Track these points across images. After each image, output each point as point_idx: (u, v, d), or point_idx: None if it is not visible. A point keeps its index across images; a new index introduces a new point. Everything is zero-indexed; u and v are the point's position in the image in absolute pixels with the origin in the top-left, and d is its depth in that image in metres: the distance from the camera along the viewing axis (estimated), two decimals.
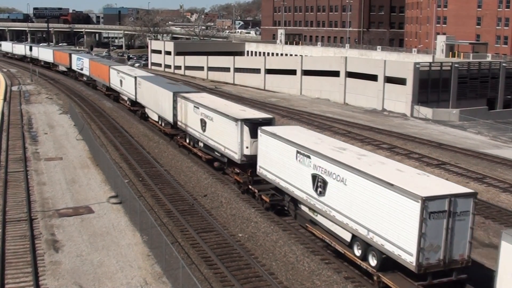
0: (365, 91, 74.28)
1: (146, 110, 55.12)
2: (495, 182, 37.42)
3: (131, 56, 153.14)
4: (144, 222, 26.64)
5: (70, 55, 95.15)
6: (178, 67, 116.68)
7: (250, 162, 32.62)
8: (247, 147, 32.64)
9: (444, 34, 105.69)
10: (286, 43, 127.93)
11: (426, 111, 66.34)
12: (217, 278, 23.35)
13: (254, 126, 32.29)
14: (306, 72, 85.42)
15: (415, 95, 67.74)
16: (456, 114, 65.89)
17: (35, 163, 40.58)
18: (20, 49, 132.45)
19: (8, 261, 24.03)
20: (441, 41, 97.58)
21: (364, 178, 22.35)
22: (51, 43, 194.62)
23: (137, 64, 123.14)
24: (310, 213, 26.96)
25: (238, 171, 34.40)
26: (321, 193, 25.13)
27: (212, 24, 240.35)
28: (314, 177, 25.63)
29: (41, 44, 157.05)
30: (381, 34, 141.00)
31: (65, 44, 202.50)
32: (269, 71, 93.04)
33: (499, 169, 41.38)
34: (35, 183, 35.61)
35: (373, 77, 72.81)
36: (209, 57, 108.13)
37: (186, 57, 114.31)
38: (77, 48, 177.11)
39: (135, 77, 57.25)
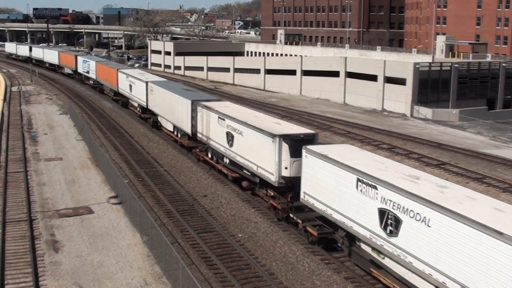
0: (365, 91, 74.28)
1: (159, 118, 50.98)
2: (494, 182, 37.42)
3: (130, 56, 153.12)
4: (144, 223, 26.64)
5: (75, 57, 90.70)
6: (178, 68, 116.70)
7: (290, 185, 28.27)
8: (286, 168, 28.03)
9: (443, 34, 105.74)
10: (286, 43, 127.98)
11: (425, 111, 66.35)
12: (217, 278, 23.35)
13: (294, 143, 27.83)
14: (306, 73, 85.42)
15: (414, 95, 67.74)
16: (456, 114, 65.89)
17: (35, 163, 40.58)
18: (24, 50, 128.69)
19: (8, 262, 24.03)
20: (440, 41, 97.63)
21: (459, 221, 17.64)
22: (51, 44, 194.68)
23: (136, 65, 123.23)
24: (374, 254, 22.68)
25: (273, 193, 30.00)
26: (392, 233, 20.62)
27: (212, 24, 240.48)
28: (383, 212, 21.15)
29: (41, 45, 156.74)
30: (380, 34, 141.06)
31: (64, 44, 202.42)
32: (269, 72, 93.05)
33: (498, 169, 41.38)
34: (35, 183, 35.60)
35: (373, 77, 72.81)
36: (209, 57, 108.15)
37: (186, 57, 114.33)
38: (77, 48, 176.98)
39: (147, 82, 53.01)
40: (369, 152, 27.63)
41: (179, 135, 45.24)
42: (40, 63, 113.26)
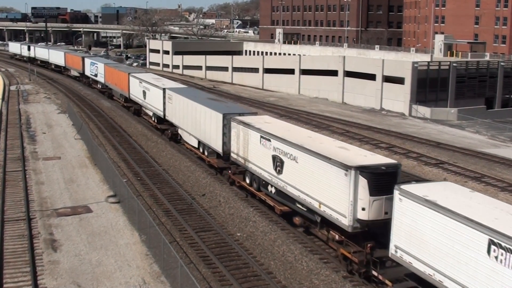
0: (363, 90, 74.30)
1: (180, 131, 45.23)
2: (493, 181, 37.46)
3: (129, 55, 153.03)
4: (143, 222, 26.63)
5: (83, 59, 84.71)
6: (176, 67, 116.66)
7: (368, 231, 22.99)
8: (363, 209, 22.36)
9: (442, 33, 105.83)
10: (284, 42, 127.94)
11: (424, 111, 66.39)
12: (215, 277, 23.36)
13: (375, 178, 22.33)
14: (304, 72, 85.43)
15: (413, 95, 67.77)
16: (454, 113, 65.94)
17: (33, 162, 40.54)
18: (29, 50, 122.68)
19: (7, 261, 24.01)
20: (439, 41, 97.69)
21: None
22: (49, 43, 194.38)
23: (135, 64, 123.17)
24: None
25: (343, 239, 24.20)
26: None
27: (210, 23, 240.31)
28: None
29: (39, 44, 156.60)
30: (379, 33, 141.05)
31: (63, 43, 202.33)
32: (267, 71, 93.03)
33: (497, 168, 41.43)
34: (33, 182, 35.57)
35: (371, 77, 72.83)
36: (207, 56, 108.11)
37: (184, 56, 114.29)
38: (75, 47, 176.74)
39: (164, 89, 47.65)
40: (486, 197, 20.87)
41: (205, 153, 39.15)
42: (45, 64, 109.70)
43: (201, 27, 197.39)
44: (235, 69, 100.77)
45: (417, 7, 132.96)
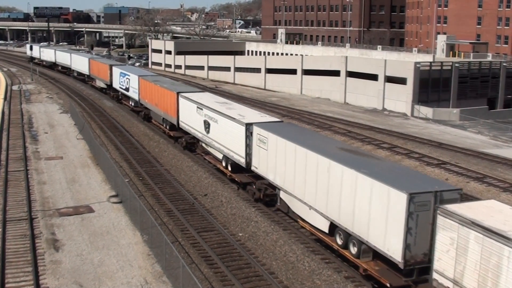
0: (366, 90, 74.23)
1: (284, 195, 28.96)
2: (495, 182, 37.38)
3: (131, 55, 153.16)
4: (145, 222, 26.64)
5: (110, 67, 69.67)
6: (179, 67, 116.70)
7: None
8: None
9: (444, 33, 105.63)
10: (286, 42, 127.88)
11: (426, 111, 66.31)
12: (217, 277, 23.36)
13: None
14: (307, 72, 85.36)
15: (415, 95, 67.68)
16: (456, 113, 65.85)
17: (36, 162, 40.58)
18: (49, 54, 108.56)
19: (9, 260, 24.04)
20: (441, 41, 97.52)
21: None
22: (51, 43, 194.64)
23: (137, 64, 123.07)
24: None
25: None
26: None
27: (213, 23, 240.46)
28: None
29: (41, 44, 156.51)
30: (381, 33, 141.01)
31: (65, 43, 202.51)
32: (270, 71, 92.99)
33: (499, 169, 41.35)
34: (35, 182, 35.60)
35: (374, 77, 72.76)
36: (210, 56, 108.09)
37: (187, 56, 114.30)
38: (78, 47, 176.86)
39: (247, 125, 32.41)
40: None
41: (357, 252, 23.30)
42: (67, 70, 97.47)
43: (203, 27, 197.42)
44: (237, 69, 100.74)
45: (420, 8, 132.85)
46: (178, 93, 44.90)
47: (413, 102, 67.56)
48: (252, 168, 32.28)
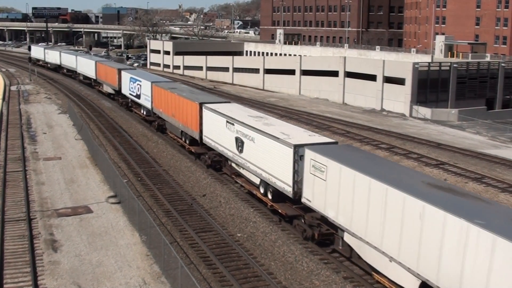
0: (364, 91, 74.29)
1: (349, 237, 23.66)
2: (493, 182, 37.43)
3: (130, 55, 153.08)
4: (143, 222, 26.63)
5: (119, 71, 64.30)
6: (177, 67, 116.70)
7: None
8: None
9: (443, 34, 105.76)
10: (285, 43, 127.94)
11: (425, 111, 66.37)
12: (216, 278, 23.36)
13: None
14: (305, 72, 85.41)
15: (414, 95, 67.76)
16: (455, 114, 65.92)
17: (34, 162, 40.54)
18: (54, 56, 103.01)
19: (7, 261, 24.01)
20: (440, 41, 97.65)
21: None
22: (50, 43, 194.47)
23: (136, 64, 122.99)
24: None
25: None
26: None
27: (211, 24, 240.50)
28: None
29: (41, 44, 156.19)
30: (380, 34, 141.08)
31: (64, 43, 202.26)
32: (268, 71, 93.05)
33: (497, 169, 41.40)
34: (33, 182, 35.58)
35: (372, 77, 72.82)
36: (208, 57, 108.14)
37: (185, 57, 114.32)
38: (76, 47, 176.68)
39: (296, 147, 26.99)
40: None
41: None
42: (72, 73, 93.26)
43: (202, 27, 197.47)
44: (236, 70, 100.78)
45: (418, 8, 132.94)
46: (201, 104, 39.72)
47: (412, 102, 67.63)
48: (303, 200, 26.63)
